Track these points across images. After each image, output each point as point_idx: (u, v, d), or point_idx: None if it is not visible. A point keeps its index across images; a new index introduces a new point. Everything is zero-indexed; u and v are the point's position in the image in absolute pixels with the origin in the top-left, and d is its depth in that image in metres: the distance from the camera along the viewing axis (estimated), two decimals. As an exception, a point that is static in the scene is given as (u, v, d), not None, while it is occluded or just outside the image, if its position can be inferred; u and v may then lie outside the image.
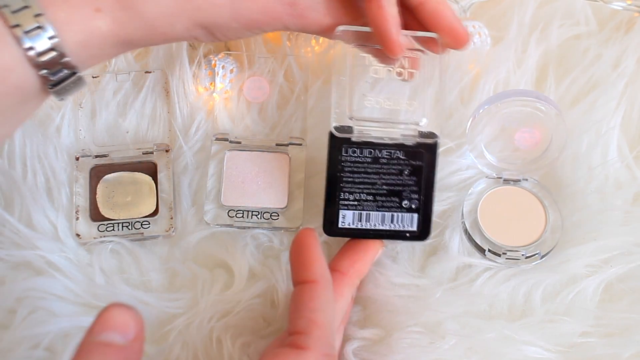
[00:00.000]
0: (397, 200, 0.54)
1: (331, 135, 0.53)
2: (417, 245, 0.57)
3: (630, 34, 0.63)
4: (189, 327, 0.54)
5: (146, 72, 0.61)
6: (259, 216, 0.58)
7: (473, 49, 0.61)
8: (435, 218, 0.57)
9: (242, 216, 0.58)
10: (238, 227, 0.58)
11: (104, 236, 0.57)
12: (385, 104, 0.54)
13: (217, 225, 0.58)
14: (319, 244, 0.47)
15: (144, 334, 0.38)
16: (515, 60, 0.62)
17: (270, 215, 0.58)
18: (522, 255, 0.55)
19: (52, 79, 0.44)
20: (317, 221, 0.57)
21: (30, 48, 0.42)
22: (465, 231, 0.57)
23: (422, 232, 0.54)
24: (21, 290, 0.54)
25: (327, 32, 0.50)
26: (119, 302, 0.38)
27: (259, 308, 0.55)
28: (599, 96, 0.61)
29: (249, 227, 0.58)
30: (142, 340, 0.38)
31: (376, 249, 0.54)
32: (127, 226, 0.57)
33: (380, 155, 0.53)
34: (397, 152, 0.53)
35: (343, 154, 0.53)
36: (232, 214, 0.58)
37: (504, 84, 0.62)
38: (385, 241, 0.56)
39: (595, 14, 0.64)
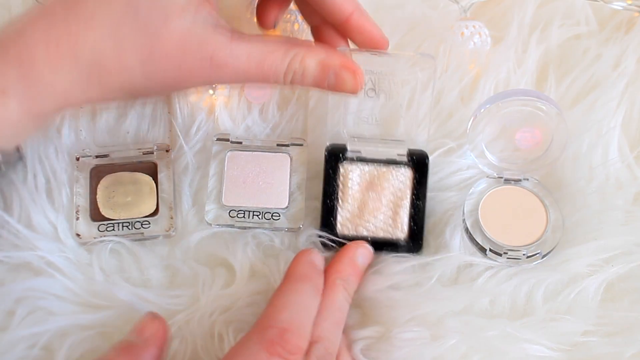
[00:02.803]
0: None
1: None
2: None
3: (631, 34, 0.63)
4: (189, 323, 0.54)
5: (147, 72, 0.61)
6: (260, 216, 0.58)
7: (473, 49, 0.61)
8: (435, 218, 0.58)
9: (243, 216, 0.58)
10: (239, 227, 0.58)
11: (104, 236, 0.57)
12: (378, 121, 0.58)
13: (218, 225, 0.58)
14: None
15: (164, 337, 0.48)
16: (516, 60, 0.63)
17: (272, 216, 0.58)
18: (523, 254, 0.55)
19: None
20: (318, 221, 0.58)
21: None
22: (467, 231, 0.57)
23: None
24: (20, 291, 0.54)
25: (254, 77, 0.48)
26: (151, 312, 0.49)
27: (261, 303, 0.54)
28: (599, 96, 0.61)
29: (250, 227, 0.58)
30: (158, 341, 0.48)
31: (354, 248, 0.55)
32: (127, 226, 0.57)
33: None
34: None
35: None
36: (233, 214, 0.58)
37: (504, 84, 0.62)
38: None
39: (595, 13, 0.64)
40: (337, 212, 0.57)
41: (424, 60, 0.54)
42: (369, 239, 0.56)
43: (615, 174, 0.59)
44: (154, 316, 0.49)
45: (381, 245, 0.56)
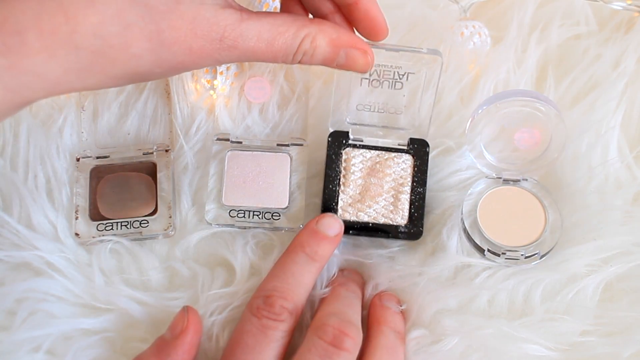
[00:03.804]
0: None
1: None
2: (415, 244, 0.58)
3: (630, 34, 0.63)
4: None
5: (147, 72, 0.61)
6: (260, 216, 0.58)
7: (473, 49, 0.61)
8: (434, 218, 0.58)
9: (244, 216, 0.58)
10: (239, 227, 0.58)
11: (103, 235, 0.57)
12: (380, 110, 0.59)
13: (218, 225, 0.58)
14: None
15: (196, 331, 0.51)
16: (515, 60, 0.62)
17: (272, 215, 0.58)
18: (522, 255, 0.55)
19: None
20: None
21: None
22: (465, 231, 0.57)
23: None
24: (21, 292, 0.55)
25: (264, 56, 0.47)
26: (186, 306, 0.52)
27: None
28: (598, 96, 0.61)
29: (250, 227, 0.58)
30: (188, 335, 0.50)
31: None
32: (126, 225, 0.58)
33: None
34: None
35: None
36: (234, 213, 0.58)
37: (503, 84, 0.62)
38: (384, 241, 0.58)
39: (595, 14, 0.64)
40: (339, 197, 0.58)
41: (431, 55, 0.54)
42: (370, 224, 0.57)
43: (614, 174, 0.59)
44: (184, 311, 0.51)
45: (382, 230, 0.57)
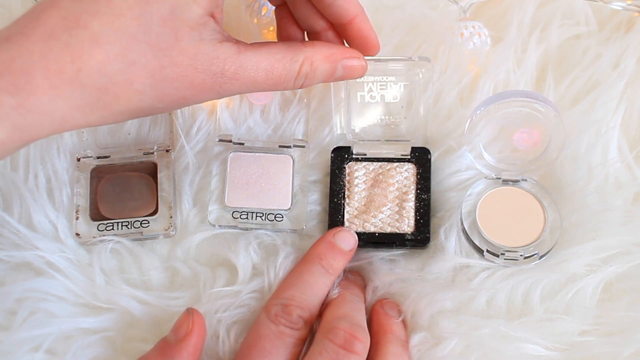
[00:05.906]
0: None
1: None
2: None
3: (630, 34, 0.63)
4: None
5: (148, 73, 0.62)
6: (263, 217, 0.58)
7: (473, 49, 0.61)
8: (433, 219, 0.58)
9: (247, 217, 0.58)
10: (242, 229, 0.59)
11: (104, 235, 0.57)
12: (381, 124, 0.60)
13: (220, 226, 0.58)
14: None
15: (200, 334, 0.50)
16: (515, 60, 0.62)
17: (275, 217, 0.58)
18: (521, 255, 0.56)
19: None
20: (320, 222, 0.59)
21: None
22: (464, 232, 0.57)
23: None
24: (21, 291, 0.55)
25: (264, 84, 0.48)
26: (190, 308, 0.51)
27: (262, 303, 0.55)
28: (598, 96, 0.61)
29: (252, 229, 0.58)
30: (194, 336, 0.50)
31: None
32: (126, 225, 0.58)
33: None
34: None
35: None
36: (236, 215, 0.58)
37: (503, 84, 0.62)
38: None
39: (595, 14, 0.64)
40: (344, 210, 0.58)
41: (422, 63, 0.56)
42: (376, 234, 0.57)
43: (614, 174, 0.59)
44: (188, 313, 0.51)
45: (389, 239, 0.57)
